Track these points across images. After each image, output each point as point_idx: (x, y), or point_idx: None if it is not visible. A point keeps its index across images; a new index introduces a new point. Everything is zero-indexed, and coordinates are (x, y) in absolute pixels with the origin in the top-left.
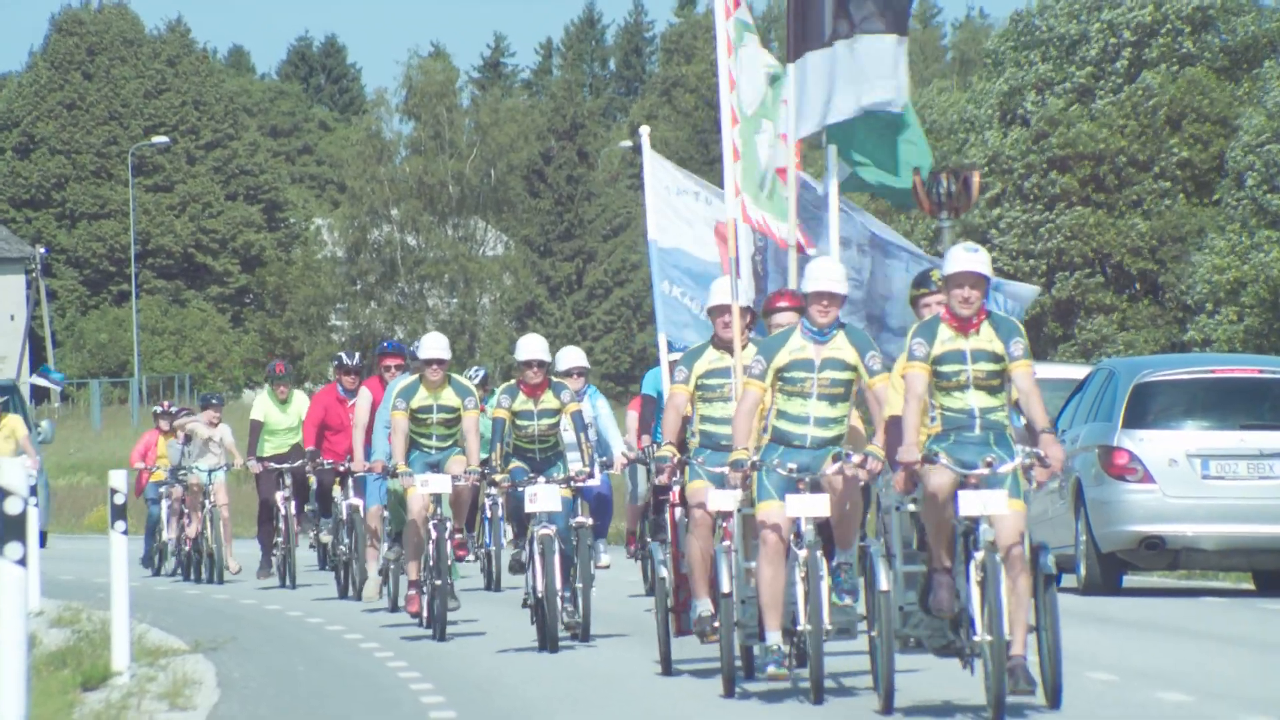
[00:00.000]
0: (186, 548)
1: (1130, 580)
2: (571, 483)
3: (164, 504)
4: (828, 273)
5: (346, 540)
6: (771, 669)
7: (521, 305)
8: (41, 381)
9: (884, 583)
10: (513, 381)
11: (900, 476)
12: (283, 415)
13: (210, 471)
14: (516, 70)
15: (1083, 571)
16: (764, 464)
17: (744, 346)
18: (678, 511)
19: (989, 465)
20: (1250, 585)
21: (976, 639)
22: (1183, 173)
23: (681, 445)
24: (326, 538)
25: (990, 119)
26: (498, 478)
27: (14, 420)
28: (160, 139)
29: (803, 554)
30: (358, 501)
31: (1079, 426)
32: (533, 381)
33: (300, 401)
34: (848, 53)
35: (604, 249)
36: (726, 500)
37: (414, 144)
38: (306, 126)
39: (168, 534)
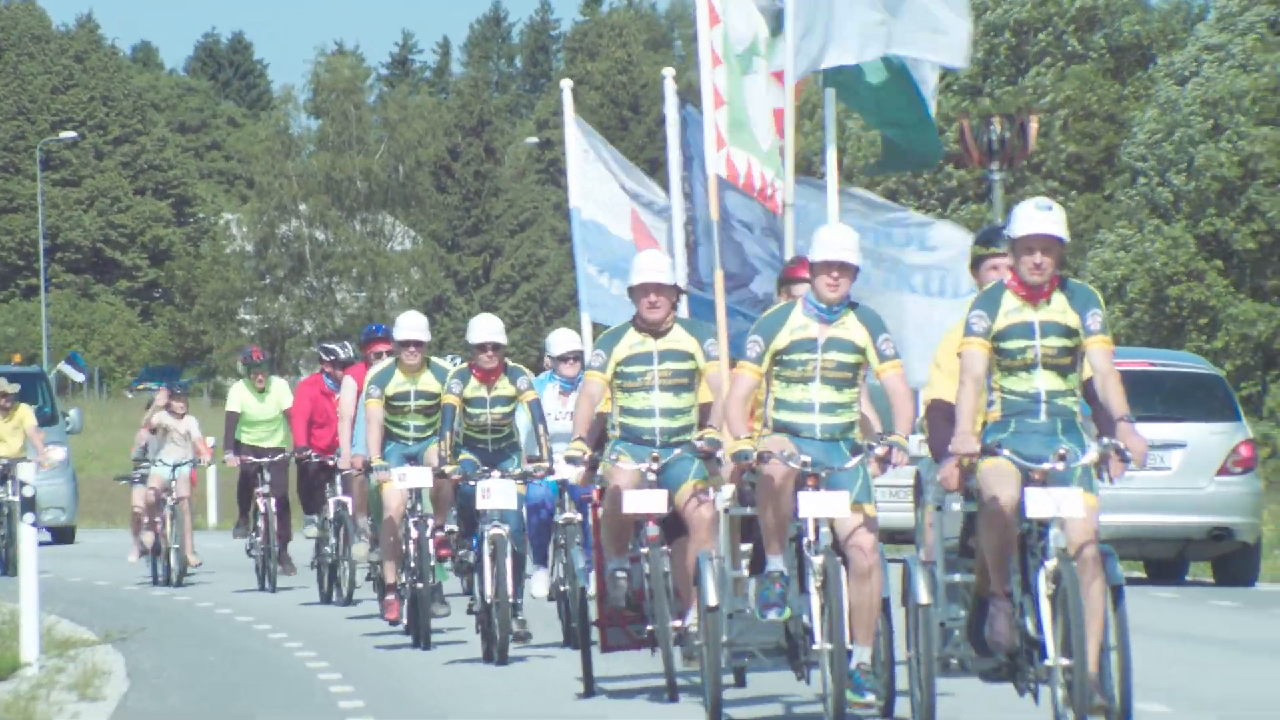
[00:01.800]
0: (147, 549)
1: None
2: (528, 478)
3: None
4: (839, 239)
5: (334, 540)
6: (773, 614)
7: (429, 299)
8: (69, 370)
9: (924, 595)
10: (464, 365)
11: (950, 470)
12: (261, 405)
13: (175, 466)
14: (424, 68)
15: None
16: (767, 455)
17: (668, 330)
18: (599, 513)
19: (1061, 458)
20: (1142, 574)
21: (1048, 663)
22: (1071, 170)
23: (600, 441)
24: (313, 533)
25: None
26: (447, 469)
27: (24, 411)
28: (68, 134)
29: (818, 560)
30: (346, 499)
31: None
32: (486, 366)
33: (280, 390)
34: None
35: (511, 244)
36: (646, 501)
37: (322, 140)
38: (215, 123)
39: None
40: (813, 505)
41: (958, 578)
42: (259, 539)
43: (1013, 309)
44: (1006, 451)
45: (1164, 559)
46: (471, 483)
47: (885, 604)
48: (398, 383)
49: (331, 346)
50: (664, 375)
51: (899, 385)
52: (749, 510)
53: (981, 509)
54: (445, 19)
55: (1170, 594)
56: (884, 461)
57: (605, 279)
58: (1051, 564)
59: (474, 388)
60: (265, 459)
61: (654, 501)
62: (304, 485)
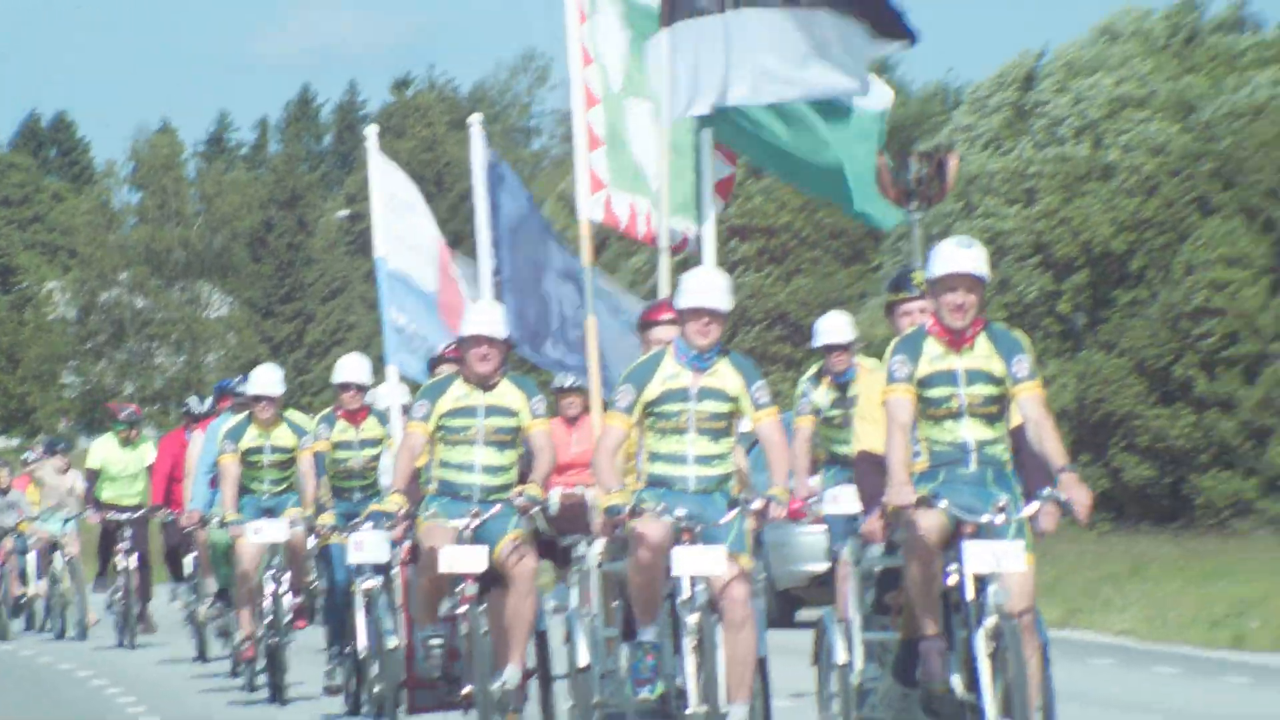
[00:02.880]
0: (25, 601)
1: (802, 614)
2: (397, 526)
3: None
4: (709, 285)
5: (196, 597)
6: (644, 694)
7: (245, 363)
8: None
9: (841, 654)
10: (329, 410)
11: (875, 522)
12: (124, 461)
13: (66, 521)
14: (240, 144)
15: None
16: (643, 508)
17: (496, 384)
18: (410, 571)
19: (1001, 510)
20: None
21: None
22: (838, 241)
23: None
24: (182, 599)
25: None
26: (321, 521)
27: None
28: None
29: (693, 619)
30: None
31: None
32: (350, 407)
33: (146, 447)
34: (769, 23)
35: (322, 310)
36: (464, 559)
37: (142, 213)
38: (38, 197)
39: (30, 587)
40: (687, 562)
41: (875, 636)
42: (119, 595)
43: (935, 355)
44: (944, 503)
45: None
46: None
47: (762, 664)
48: (251, 437)
49: (190, 401)
50: (489, 430)
51: (774, 434)
52: (621, 566)
53: (905, 542)
54: (260, 99)
55: None
56: (762, 515)
57: (413, 329)
58: (991, 622)
59: (341, 430)
60: (126, 515)
61: (472, 559)
62: (168, 549)
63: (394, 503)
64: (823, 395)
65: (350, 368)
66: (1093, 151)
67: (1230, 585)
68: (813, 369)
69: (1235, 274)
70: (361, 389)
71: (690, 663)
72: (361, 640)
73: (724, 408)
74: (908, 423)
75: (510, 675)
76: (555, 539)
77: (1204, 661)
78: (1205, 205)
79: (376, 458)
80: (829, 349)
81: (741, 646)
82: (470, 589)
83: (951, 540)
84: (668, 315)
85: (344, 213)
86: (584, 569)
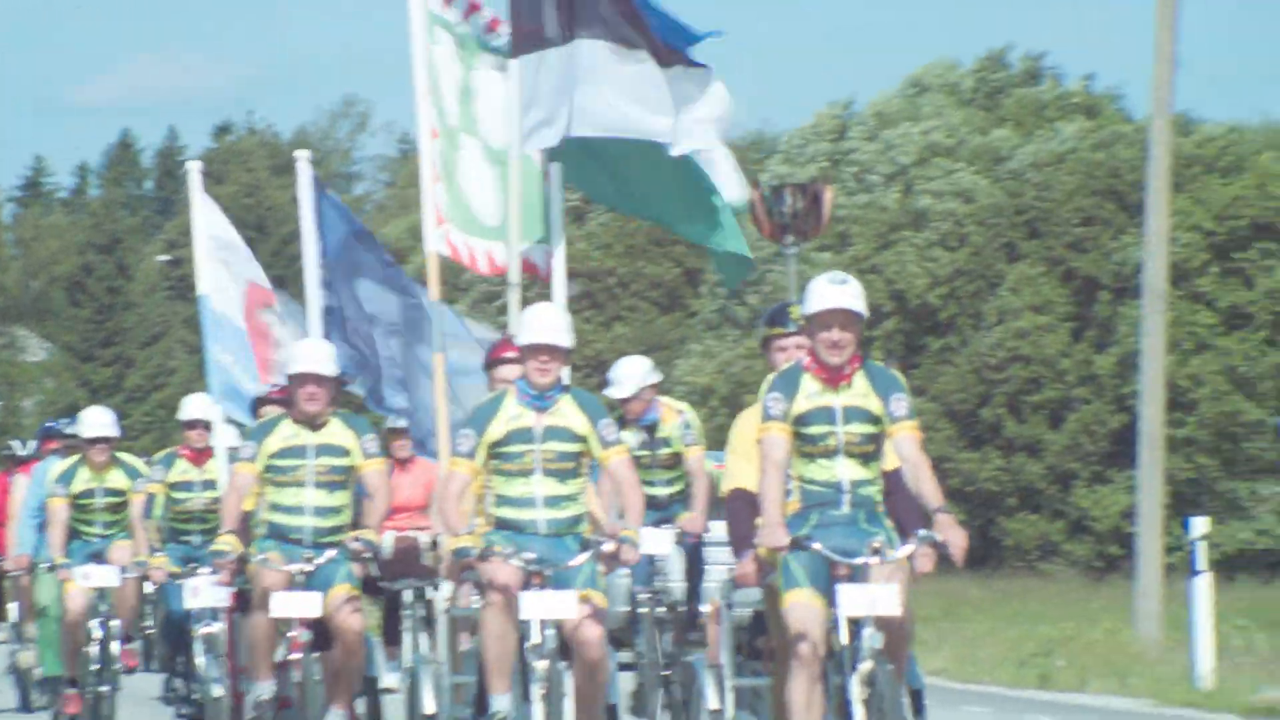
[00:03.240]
0: None
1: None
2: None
3: None
4: (548, 321)
5: (20, 644)
6: None
7: (63, 407)
8: None
9: (713, 700)
10: (170, 450)
11: (748, 565)
12: None
13: None
14: (57, 189)
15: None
16: (492, 550)
17: (325, 424)
18: (236, 619)
19: (876, 552)
20: None
21: None
22: (657, 291)
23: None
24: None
25: None
26: (154, 563)
27: None
28: None
29: (541, 665)
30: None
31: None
32: (197, 445)
33: None
34: (611, 59)
35: (142, 355)
36: (297, 605)
37: None
38: None
39: None
40: (537, 606)
41: (747, 681)
42: None
43: (813, 392)
44: (817, 545)
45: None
46: (178, 581)
47: (612, 711)
48: (83, 480)
49: (11, 444)
50: (319, 470)
51: (626, 473)
52: (472, 609)
53: (788, 648)
54: (78, 145)
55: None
56: (613, 559)
57: (237, 371)
58: (866, 667)
59: (182, 470)
60: None
61: (304, 605)
62: None
63: (226, 544)
64: (630, 437)
65: (198, 405)
66: (903, 198)
67: (1037, 626)
68: (615, 416)
69: (1040, 320)
70: (209, 427)
71: (538, 712)
72: (215, 690)
73: (571, 447)
74: (783, 461)
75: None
76: (379, 581)
77: (1012, 700)
78: (1013, 254)
79: (218, 499)
80: (621, 401)
81: (593, 688)
82: (303, 635)
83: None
84: (512, 353)
85: (164, 257)
86: (416, 614)
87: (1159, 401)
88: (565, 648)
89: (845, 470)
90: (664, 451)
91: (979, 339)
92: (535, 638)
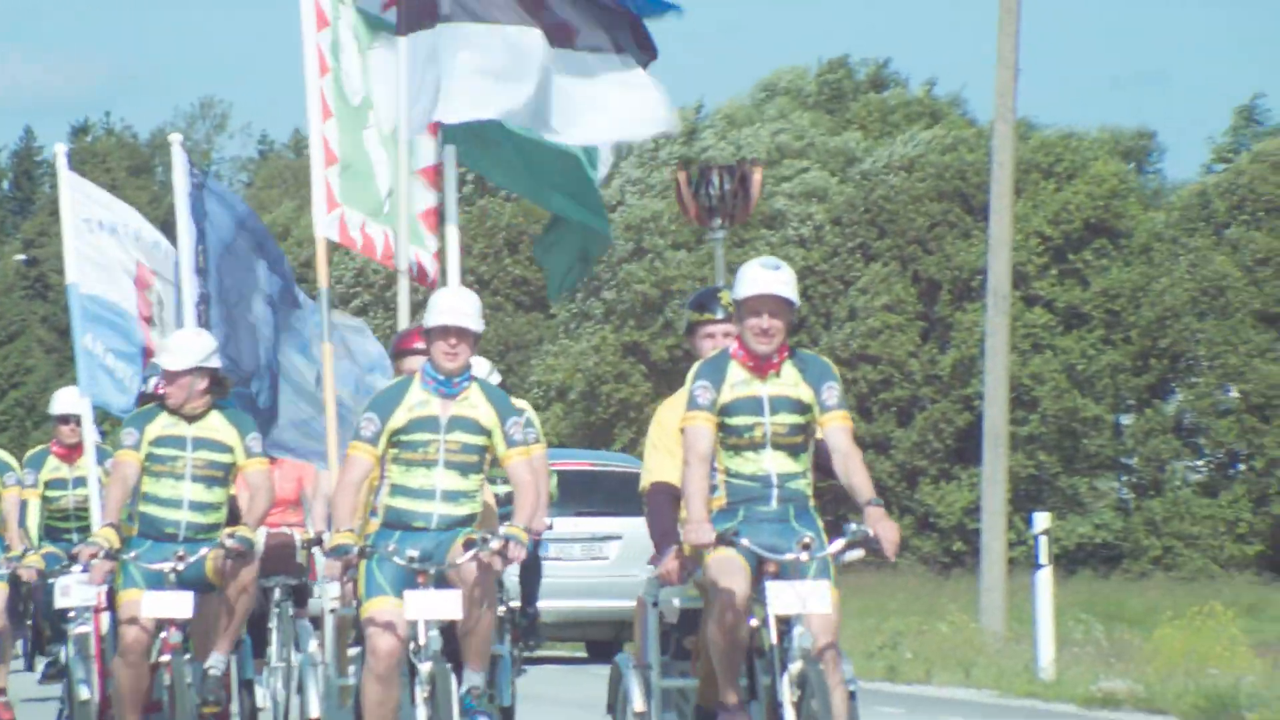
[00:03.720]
0: None
1: None
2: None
3: None
4: (457, 303)
5: None
6: None
7: None
8: None
9: (638, 703)
10: (42, 447)
11: (672, 563)
12: None
13: None
14: None
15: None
16: (375, 550)
17: (203, 416)
18: (105, 619)
19: (806, 548)
20: (584, 654)
21: None
22: (518, 290)
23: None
24: None
25: None
26: (27, 561)
27: None
28: None
29: (425, 668)
30: None
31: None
32: (68, 441)
33: None
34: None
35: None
36: (168, 605)
37: None
38: None
39: None
40: (420, 606)
41: (673, 683)
42: None
43: (739, 381)
44: (745, 541)
45: (603, 640)
46: (52, 580)
47: (508, 714)
48: None
49: None
50: (197, 464)
51: (524, 474)
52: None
53: (710, 606)
54: None
55: (607, 672)
56: (501, 555)
57: (111, 359)
58: (796, 667)
59: (53, 468)
60: None
61: (177, 605)
62: None
63: (104, 538)
64: None
65: (70, 399)
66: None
67: (885, 619)
68: None
69: (891, 320)
70: (79, 422)
71: (422, 714)
72: (84, 692)
73: (476, 440)
74: (707, 453)
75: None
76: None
77: (861, 692)
78: (866, 254)
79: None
80: None
81: (481, 622)
82: (174, 637)
83: (754, 582)
84: (420, 344)
85: (21, 256)
86: (285, 613)
87: (1002, 400)
88: (451, 649)
89: (773, 463)
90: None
91: (829, 337)
92: (420, 638)
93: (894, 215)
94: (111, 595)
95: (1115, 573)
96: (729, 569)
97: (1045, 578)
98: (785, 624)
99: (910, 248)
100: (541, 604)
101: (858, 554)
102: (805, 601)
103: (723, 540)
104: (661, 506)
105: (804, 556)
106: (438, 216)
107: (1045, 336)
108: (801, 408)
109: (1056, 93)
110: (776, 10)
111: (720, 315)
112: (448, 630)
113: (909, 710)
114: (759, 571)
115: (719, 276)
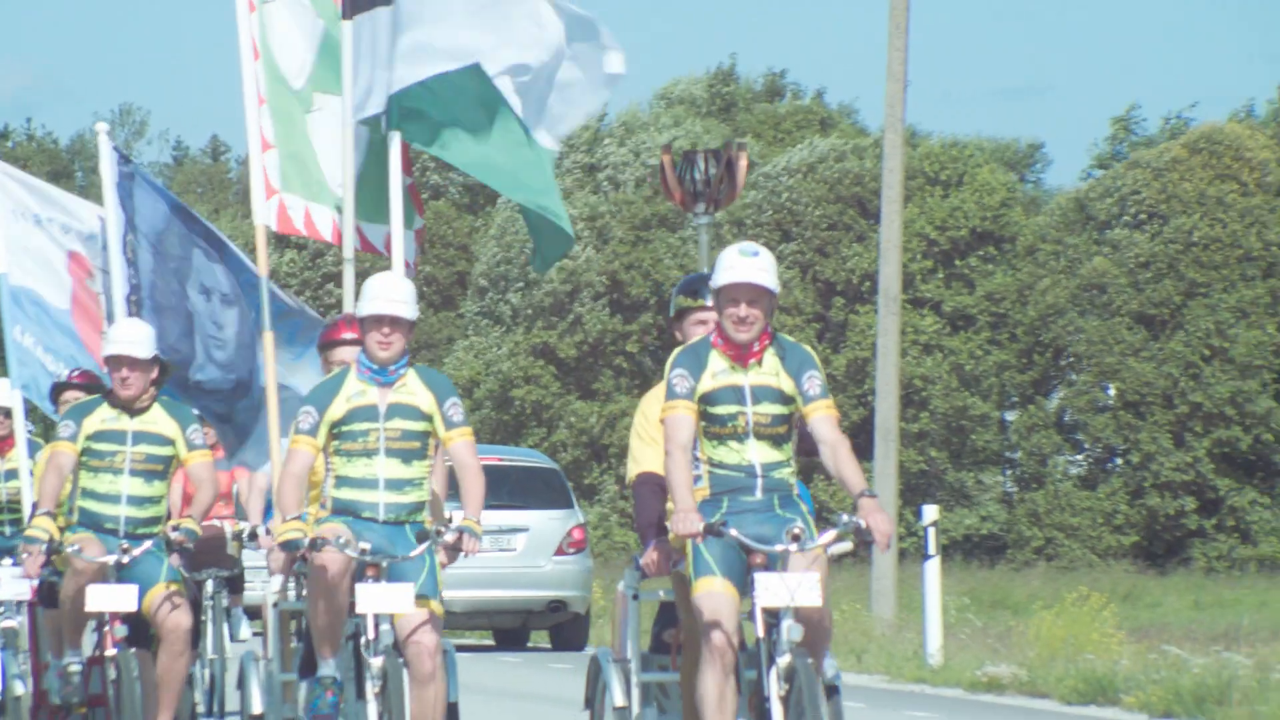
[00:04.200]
0: None
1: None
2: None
3: None
4: (390, 290)
5: None
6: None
7: None
8: None
9: (619, 697)
10: None
11: (654, 554)
12: None
13: None
14: None
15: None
16: (324, 542)
17: (146, 409)
18: (39, 613)
19: (795, 539)
20: (491, 641)
21: None
22: (429, 288)
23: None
24: None
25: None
26: None
27: None
28: None
29: (377, 662)
30: None
31: None
32: None
33: None
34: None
35: None
36: (113, 599)
37: None
38: None
39: None
40: (372, 599)
41: (654, 677)
42: None
43: (720, 370)
44: (733, 531)
45: (509, 628)
46: None
47: (453, 709)
48: None
49: None
50: (136, 458)
51: (468, 457)
52: (299, 603)
53: (700, 637)
54: None
55: (515, 659)
56: (454, 550)
57: (40, 352)
58: (785, 661)
59: None
60: None
61: (122, 599)
62: None
63: (42, 528)
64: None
65: (0, 390)
66: (653, 197)
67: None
68: None
69: (788, 320)
70: (8, 414)
71: (373, 710)
72: (18, 688)
73: (417, 426)
74: (688, 442)
75: None
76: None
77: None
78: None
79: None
80: None
81: (429, 702)
82: (119, 630)
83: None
84: (350, 334)
85: None
86: (219, 605)
87: (893, 398)
88: (399, 646)
89: (756, 453)
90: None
91: None
92: (370, 633)
93: (796, 218)
94: (44, 589)
95: (1000, 562)
96: (718, 607)
97: (934, 568)
98: (773, 616)
99: (810, 252)
100: (452, 594)
101: (846, 546)
102: (794, 594)
103: (711, 530)
104: (647, 497)
105: (793, 548)
106: (416, 195)
107: (934, 339)
108: (784, 398)
109: (943, 104)
110: (673, 21)
111: (709, 302)
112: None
113: None
114: (746, 563)
115: (703, 263)
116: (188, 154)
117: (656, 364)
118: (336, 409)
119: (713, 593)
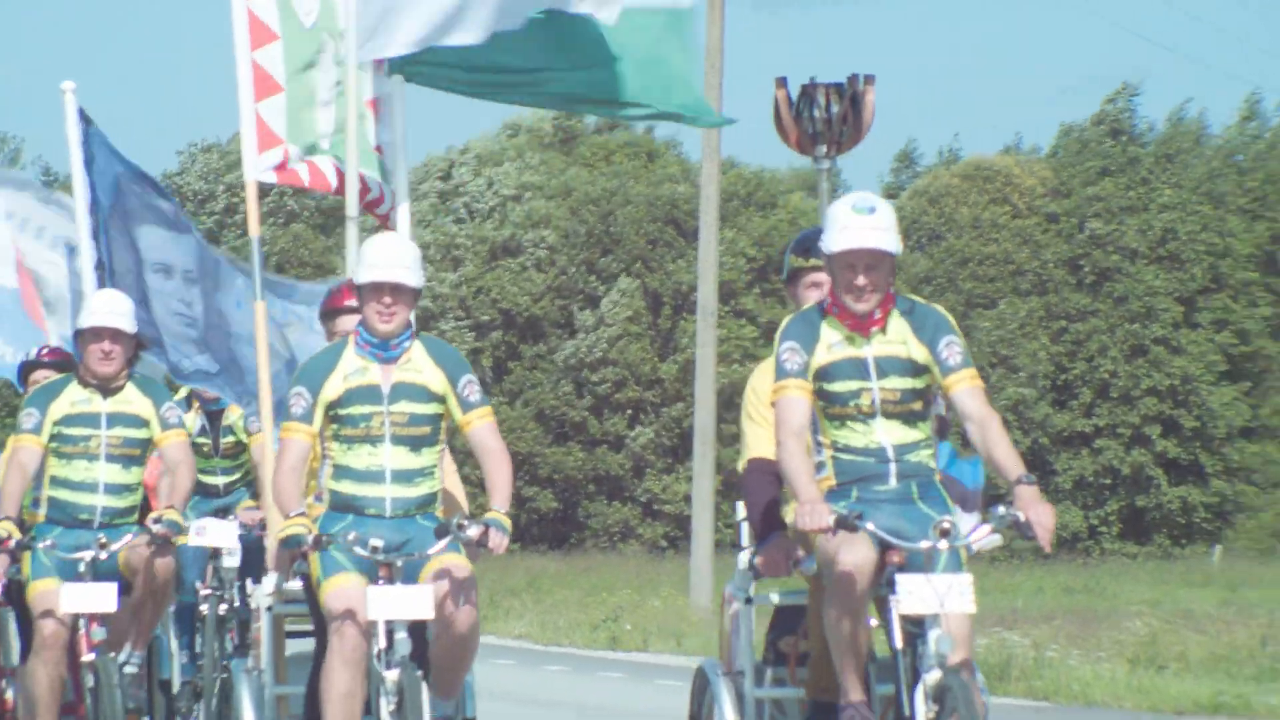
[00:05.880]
0: None
1: None
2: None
3: None
4: (393, 255)
5: None
6: None
7: None
8: None
9: (730, 714)
10: None
11: (774, 551)
12: None
13: None
14: None
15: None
16: (330, 539)
17: (120, 389)
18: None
19: (944, 534)
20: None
21: None
22: None
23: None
24: None
25: None
26: None
27: None
28: None
29: (391, 676)
30: None
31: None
32: None
33: None
34: None
35: None
36: (90, 599)
37: None
38: None
39: None
40: (385, 604)
41: (770, 692)
42: None
43: (836, 341)
44: (870, 525)
45: None
46: None
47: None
48: None
49: None
50: (113, 443)
51: (492, 440)
52: (296, 607)
53: (828, 580)
54: None
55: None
56: (480, 544)
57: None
58: (934, 677)
59: None
60: None
61: (99, 598)
62: None
63: (3, 530)
64: (192, 421)
65: None
66: (499, 227)
67: (609, 595)
68: (184, 397)
69: (631, 329)
70: None
71: None
72: None
73: (426, 409)
74: (802, 428)
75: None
76: None
77: (586, 660)
78: (598, 272)
79: None
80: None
81: (461, 653)
82: (96, 633)
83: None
84: (354, 301)
85: None
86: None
87: (710, 403)
88: (419, 653)
89: (886, 434)
90: (227, 440)
91: (570, 346)
92: (382, 642)
93: (617, 238)
94: (11, 589)
95: None
96: (852, 540)
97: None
98: (916, 625)
99: (636, 264)
100: None
101: (996, 540)
102: (944, 600)
103: (844, 524)
104: (760, 486)
105: (943, 545)
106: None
107: (751, 347)
108: (915, 369)
109: (757, 134)
110: None
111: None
112: (417, 633)
113: (629, 675)
114: (881, 561)
115: (824, 215)
116: (56, 179)
117: (501, 374)
118: (332, 389)
119: (851, 545)
